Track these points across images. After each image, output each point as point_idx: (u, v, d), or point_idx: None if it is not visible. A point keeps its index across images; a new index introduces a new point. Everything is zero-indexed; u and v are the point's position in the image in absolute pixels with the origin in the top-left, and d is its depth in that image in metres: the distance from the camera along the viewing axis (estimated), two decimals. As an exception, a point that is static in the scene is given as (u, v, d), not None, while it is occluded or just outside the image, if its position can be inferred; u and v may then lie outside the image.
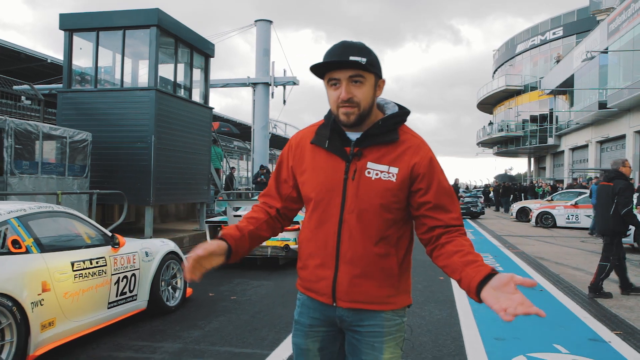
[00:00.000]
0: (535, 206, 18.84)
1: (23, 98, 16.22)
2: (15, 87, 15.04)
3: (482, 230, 15.28)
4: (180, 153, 11.00)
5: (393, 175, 1.71)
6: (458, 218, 1.74)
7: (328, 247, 1.75)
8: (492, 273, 1.51)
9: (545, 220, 17.35)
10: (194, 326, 4.92)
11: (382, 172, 1.71)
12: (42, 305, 3.75)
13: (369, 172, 1.71)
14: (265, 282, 7.19)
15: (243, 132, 27.85)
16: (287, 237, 8.40)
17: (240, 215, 8.42)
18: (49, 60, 17.16)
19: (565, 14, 41.76)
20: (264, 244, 8.35)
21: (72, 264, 4.14)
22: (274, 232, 1.94)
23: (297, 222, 8.50)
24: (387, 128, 1.75)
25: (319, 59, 1.73)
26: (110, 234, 4.79)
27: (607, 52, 25.72)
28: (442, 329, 4.84)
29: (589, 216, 16.39)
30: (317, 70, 1.71)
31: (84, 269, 4.24)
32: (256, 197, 11.97)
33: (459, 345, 4.35)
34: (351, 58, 1.64)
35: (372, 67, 1.68)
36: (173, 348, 4.26)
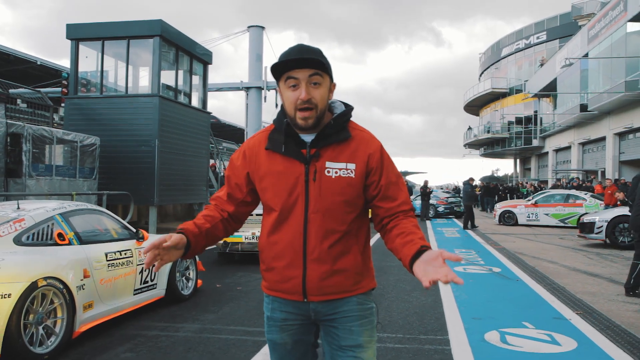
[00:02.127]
0: (499, 205, 19.55)
1: (19, 101, 16.66)
2: (11, 90, 15.47)
3: (467, 229, 16.01)
4: (181, 156, 11.60)
5: (351, 171, 1.78)
6: (404, 203, 1.83)
7: (295, 247, 1.78)
8: (422, 249, 1.63)
9: (508, 219, 18.05)
10: (208, 311, 5.55)
11: (340, 169, 1.78)
12: (83, 289, 4.36)
13: (328, 172, 1.77)
14: (266, 275, 7.81)
15: (235, 134, 28.40)
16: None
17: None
18: (38, 63, 17.36)
19: (548, 19, 42.83)
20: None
21: (106, 255, 4.76)
22: (227, 233, 1.96)
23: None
24: (339, 127, 1.81)
25: None
26: (134, 229, 5.41)
27: (585, 58, 26.64)
28: (427, 311, 5.52)
29: (547, 214, 17.20)
30: (276, 70, 1.75)
31: (115, 259, 4.86)
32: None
33: (441, 323, 5.02)
34: (313, 57, 1.72)
35: (329, 69, 1.77)
36: (193, 328, 4.89)
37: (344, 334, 1.83)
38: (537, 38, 43.88)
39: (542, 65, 39.60)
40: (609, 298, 6.12)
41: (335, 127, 1.80)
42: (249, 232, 9.09)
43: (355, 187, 1.79)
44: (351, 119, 1.89)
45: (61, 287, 4.04)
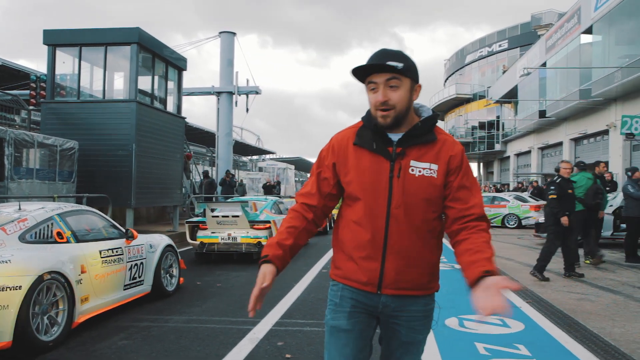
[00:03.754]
0: None
1: None
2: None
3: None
4: (157, 160, 11.92)
5: (434, 172, 1.85)
6: (475, 206, 1.88)
7: (376, 240, 1.86)
8: (484, 276, 1.68)
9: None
10: (193, 305, 5.96)
11: (424, 169, 1.85)
12: (81, 283, 4.73)
13: (412, 170, 1.84)
14: (243, 272, 8.26)
15: (204, 137, 28.56)
16: (259, 235, 9.47)
17: (217, 216, 9.43)
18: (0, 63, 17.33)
19: (510, 28, 44.50)
20: (239, 240, 9.40)
21: (100, 252, 5.14)
22: (309, 237, 2.06)
23: (268, 222, 9.62)
24: (426, 129, 1.88)
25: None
26: (124, 229, 5.79)
27: (542, 68, 27.93)
28: (395, 302, 6.07)
29: None
30: (359, 75, 1.86)
31: (108, 256, 5.24)
32: (228, 200, 12.96)
33: (407, 312, 5.57)
34: (388, 63, 1.78)
35: (408, 72, 1.82)
36: (181, 319, 5.30)
37: (406, 332, 1.93)
38: (500, 46, 45.52)
39: (504, 72, 41.08)
40: (557, 289, 6.81)
41: (423, 129, 1.88)
42: (224, 233, 9.49)
43: (437, 187, 1.86)
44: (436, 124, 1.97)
45: (63, 281, 4.41)
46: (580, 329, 4.83)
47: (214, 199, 17.47)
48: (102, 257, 5.14)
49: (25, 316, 3.95)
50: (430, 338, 4.58)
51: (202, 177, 21.25)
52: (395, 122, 1.84)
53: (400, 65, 1.78)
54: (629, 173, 9.38)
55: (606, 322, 5.08)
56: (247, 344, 4.42)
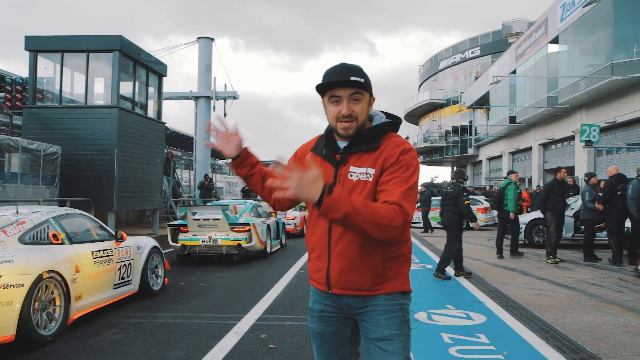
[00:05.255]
0: None
1: None
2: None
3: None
4: (138, 164, 12.16)
5: (370, 176, 1.87)
6: (392, 195, 1.79)
7: (323, 242, 1.95)
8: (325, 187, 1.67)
9: None
10: (179, 303, 6.30)
11: (361, 173, 1.88)
12: (75, 282, 5.04)
13: (351, 175, 1.89)
14: (224, 273, 8.60)
15: (181, 141, 28.63)
16: (239, 237, 9.82)
17: (198, 219, 9.76)
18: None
19: (482, 35, 45.65)
20: (219, 242, 9.73)
21: (92, 253, 5.45)
22: (267, 195, 2.12)
23: (248, 224, 9.97)
24: (370, 138, 1.93)
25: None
26: (113, 231, 6.10)
27: (512, 76, 28.85)
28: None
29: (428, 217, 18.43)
30: (320, 88, 1.93)
31: (99, 257, 5.55)
32: (208, 203, 13.28)
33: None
34: (352, 78, 1.86)
35: (368, 86, 1.92)
36: (169, 316, 5.64)
37: (371, 327, 1.94)
38: (472, 53, 46.62)
39: (476, 78, 42.07)
40: (518, 286, 7.34)
41: (367, 138, 1.93)
42: (205, 236, 9.82)
43: (371, 191, 1.87)
44: (397, 132, 2.01)
45: (60, 279, 4.72)
46: (536, 320, 5.33)
47: (191, 202, 17.75)
48: (94, 258, 5.45)
49: (27, 312, 4.26)
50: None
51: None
52: (357, 132, 1.92)
53: (362, 80, 1.88)
54: (586, 178, 10.03)
55: (559, 314, 5.60)
56: (233, 337, 4.79)
